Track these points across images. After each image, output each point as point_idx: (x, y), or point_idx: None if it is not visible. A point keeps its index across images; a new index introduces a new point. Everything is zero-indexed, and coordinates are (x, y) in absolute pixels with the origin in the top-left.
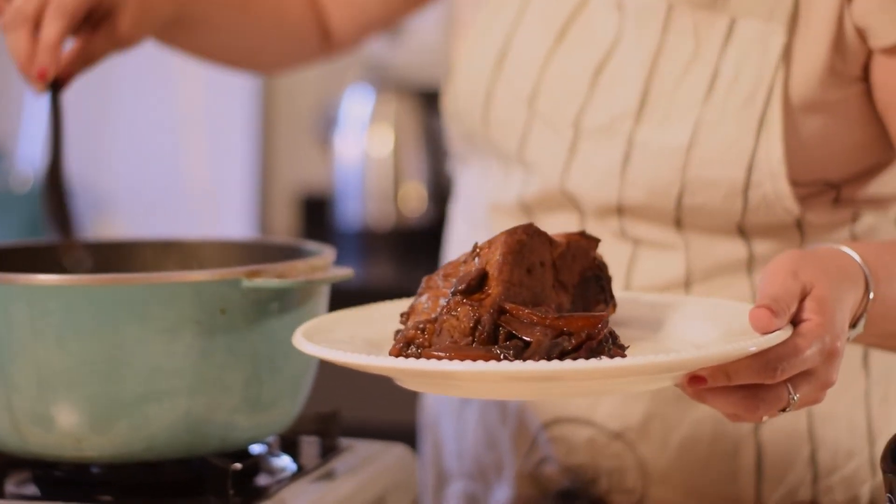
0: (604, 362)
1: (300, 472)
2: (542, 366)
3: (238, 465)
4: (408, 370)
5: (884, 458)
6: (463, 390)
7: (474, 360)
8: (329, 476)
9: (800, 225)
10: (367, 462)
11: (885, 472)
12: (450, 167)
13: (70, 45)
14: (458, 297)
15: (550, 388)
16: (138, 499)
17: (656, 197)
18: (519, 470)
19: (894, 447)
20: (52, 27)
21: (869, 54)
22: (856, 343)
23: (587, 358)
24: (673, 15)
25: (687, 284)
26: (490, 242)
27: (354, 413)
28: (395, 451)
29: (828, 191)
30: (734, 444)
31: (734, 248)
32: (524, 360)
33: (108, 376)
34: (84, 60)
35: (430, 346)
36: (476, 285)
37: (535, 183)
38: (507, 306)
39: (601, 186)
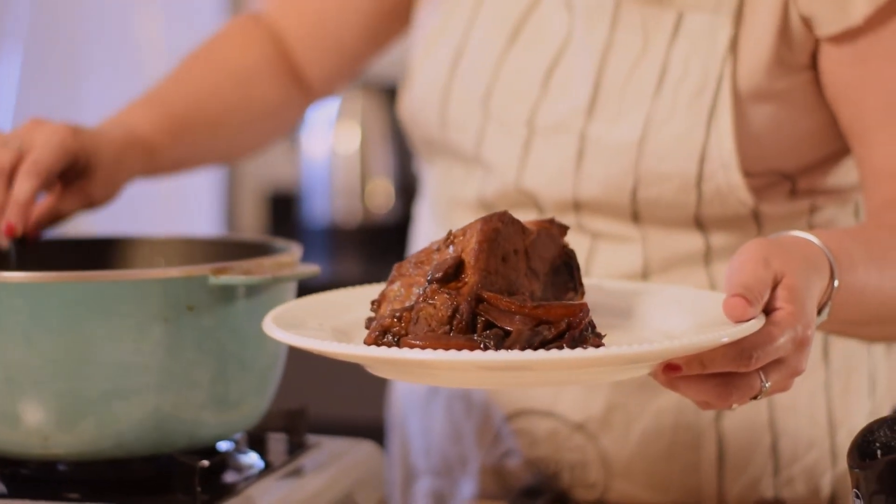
0: (589, 352)
1: (268, 469)
2: (527, 355)
3: (205, 463)
4: (389, 360)
5: (850, 453)
6: (440, 379)
7: (457, 349)
8: (297, 473)
9: (757, 217)
10: (335, 459)
11: (851, 467)
12: (416, 165)
13: (41, 199)
14: (435, 286)
15: (529, 377)
16: (106, 496)
17: (611, 192)
18: (483, 463)
19: (861, 443)
20: (24, 185)
21: (816, 43)
22: (818, 330)
23: (571, 347)
24: (621, 11)
25: (644, 276)
26: (465, 230)
27: (322, 410)
28: (363, 448)
29: (783, 182)
30: (695, 436)
31: (691, 241)
32: (505, 349)
33: (75, 373)
34: (53, 218)
35: (406, 334)
36: (453, 273)
37: (492, 181)
38: (485, 295)
39: (556, 183)
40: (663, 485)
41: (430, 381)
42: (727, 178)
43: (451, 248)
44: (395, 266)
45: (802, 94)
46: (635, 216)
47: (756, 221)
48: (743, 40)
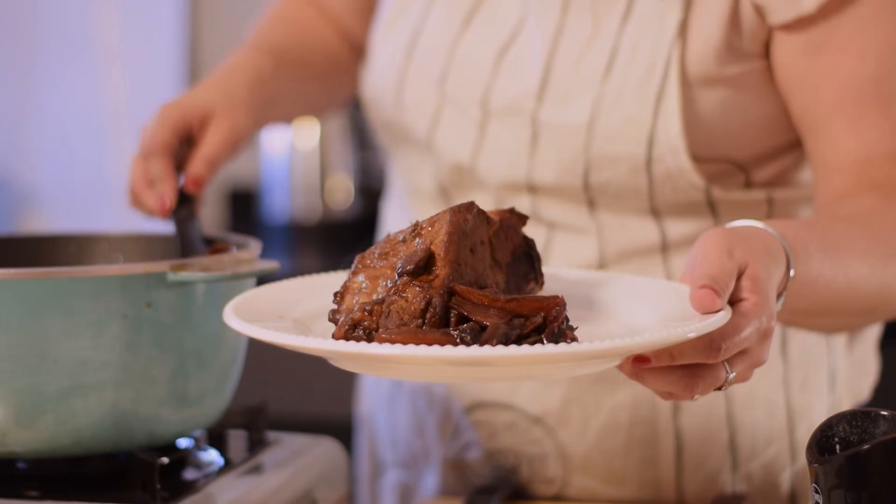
0: (574, 347)
1: (227, 466)
2: (514, 351)
3: (165, 460)
4: (364, 355)
5: (809, 448)
6: (411, 374)
7: (432, 344)
8: (257, 470)
9: (712, 206)
10: (295, 456)
11: (810, 462)
12: (381, 160)
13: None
14: (406, 278)
15: (504, 372)
16: (65, 494)
17: (564, 175)
18: (444, 456)
19: (820, 438)
20: (154, 164)
21: (769, 32)
22: None
23: (552, 342)
24: None
25: (600, 268)
26: (433, 221)
27: (282, 407)
28: (323, 445)
29: (736, 172)
30: (653, 431)
31: (647, 231)
32: (482, 343)
33: (34, 370)
34: (211, 169)
35: (377, 328)
36: (423, 266)
37: (447, 165)
38: (457, 288)
39: (511, 166)
40: (621, 479)
41: (399, 375)
42: (676, 161)
43: (417, 239)
44: (358, 257)
45: (753, 81)
46: (590, 203)
47: (712, 211)
48: (692, 25)
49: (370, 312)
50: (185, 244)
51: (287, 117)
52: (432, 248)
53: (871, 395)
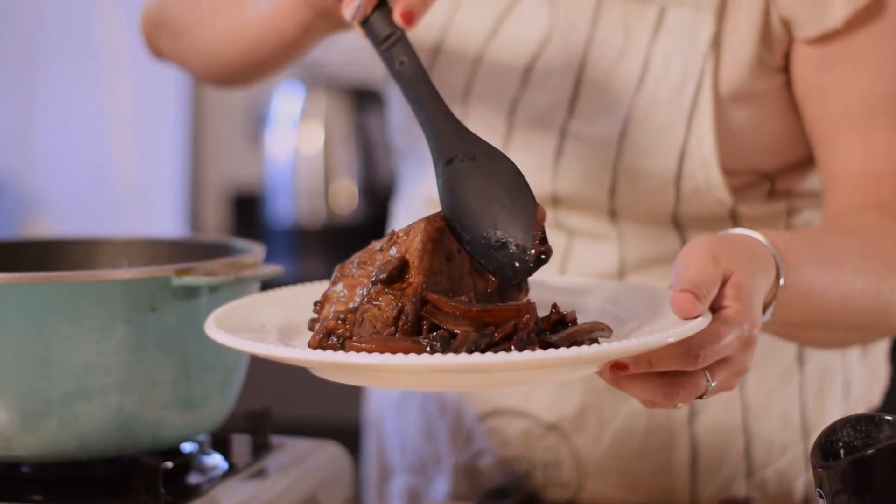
0: (536, 354)
1: (231, 470)
2: (472, 358)
3: (169, 464)
4: (333, 363)
5: (813, 452)
6: (388, 382)
7: (403, 351)
8: (261, 474)
9: (734, 217)
10: (299, 460)
11: (814, 466)
12: (392, 163)
13: None
14: (380, 286)
15: (476, 379)
16: (69, 498)
17: (589, 188)
18: (455, 462)
19: (824, 442)
20: None
21: (790, 44)
22: (761, 331)
23: (519, 349)
24: (602, 7)
25: (620, 275)
26: (409, 229)
27: (287, 411)
28: (327, 449)
29: (762, 182)
30: (668, 437)
31: (668, 240)
32: (452, 351)
33: (38, 374)
34: None
35: (351, 336)
36: (397, 274)
37: None
38: (429, 297)
39: (535, 177)
40: (636, 485)
41: (377, 383)
42: (706, 177)
43: (393, 248)
44: (338, 267)
45: (780, 96)
46: (613, 213)
47: (734, 222)
48: (725, 39)
49: (344, 321)
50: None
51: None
52: (406, 256)
53: (882, 401)
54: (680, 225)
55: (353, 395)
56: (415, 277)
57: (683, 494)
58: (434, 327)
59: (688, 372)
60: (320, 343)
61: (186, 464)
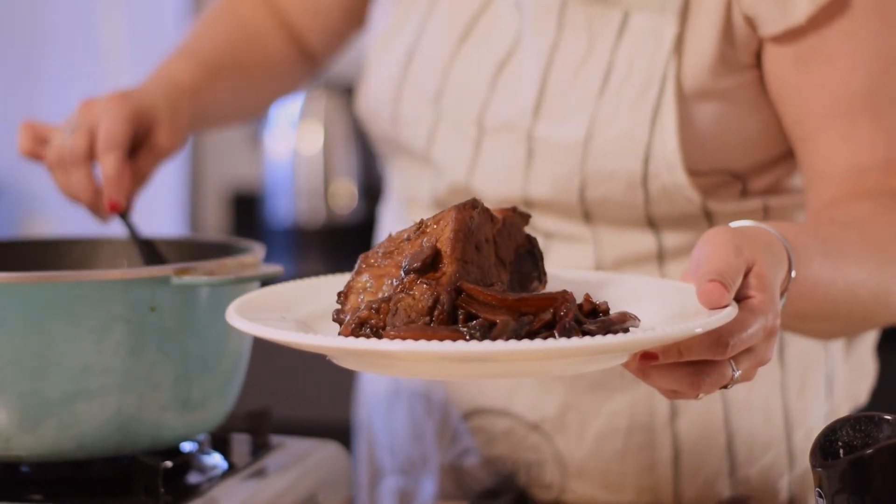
0: (591, 340)
1: (231, 470)
2: (526, 345)
3: (168, 464)
4: (377, 352)
5: (812, 452)
6: (417, 371)
7: (445, 340)
8: (260, 474)
9: (708, 216)
10: (299, 460)
11: (813, 466)
12: (380, 166)
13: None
14: (413, 276)
15: (514, 367)
16: (68, 498)
17: (560, 191)
18: (442, 462)
19: (823, 442)
20: (109, 161)
21: (760, 43)
22: None
23: (565, 337)
24: (567, 11)
25: None
26: (438, 219)
27: (286, 411)
28: (326, 449)
29: (733, 182)
30: (650, 436)
31: (643, 240)
32: (492, 339)
33: (37, 375)
34: (138, 181)
35: (384, 326)
36: (430, 263)
37: (444, 181)
38: (464, 286)
39: (506, 183)
40: (619, 485)
41: (404, 373)
42: (672, 177)
43: (423, 237)
44: (362, 257)
45: (748, 93)
46: (586, 215)
47: (708, 220)
48: (687, 39)
49: (377, 310)
50: (136, 235)
51: (216, 125)
52: (438, 245)
53: (868, 399)
54: (654, 224)
55: (349, 396)
56: (448, 266)
57: (667, 493)
58: (469, 317)
59: (714, 361)
60: (353, 332)
61: (186, 463)
